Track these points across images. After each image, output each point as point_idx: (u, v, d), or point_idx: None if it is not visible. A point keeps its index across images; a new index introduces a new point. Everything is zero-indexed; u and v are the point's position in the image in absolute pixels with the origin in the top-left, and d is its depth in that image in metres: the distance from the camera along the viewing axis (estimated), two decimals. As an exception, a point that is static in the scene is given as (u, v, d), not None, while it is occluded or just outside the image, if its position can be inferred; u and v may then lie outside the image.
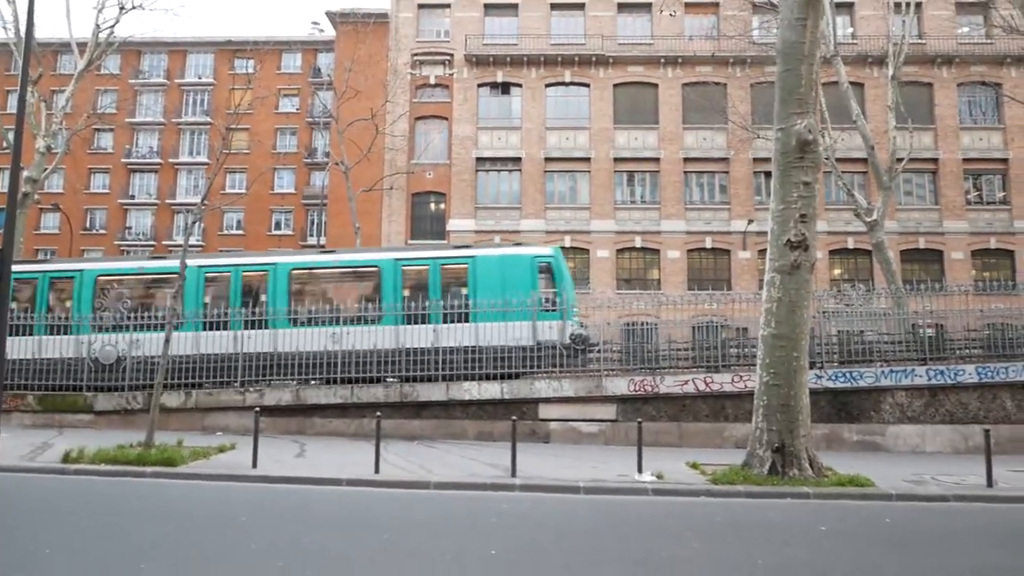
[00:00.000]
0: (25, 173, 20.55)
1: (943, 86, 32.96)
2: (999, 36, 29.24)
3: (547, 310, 16.09)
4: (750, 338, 15.52)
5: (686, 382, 15.32)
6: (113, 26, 22.99)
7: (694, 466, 11.95)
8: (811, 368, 13.13)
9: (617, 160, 33.26)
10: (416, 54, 34.77)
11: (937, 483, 11.03)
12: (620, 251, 32.66)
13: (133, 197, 48.28)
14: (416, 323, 16.08)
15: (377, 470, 11.05)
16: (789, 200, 11.19)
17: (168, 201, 47.79)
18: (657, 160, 33.17)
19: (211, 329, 16.62)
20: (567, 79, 33.96)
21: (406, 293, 16.89)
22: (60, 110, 23.26)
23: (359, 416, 15.72)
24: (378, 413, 12.23)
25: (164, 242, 46.83)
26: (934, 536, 8.26)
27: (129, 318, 16.59)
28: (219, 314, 16.74)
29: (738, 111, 29.94)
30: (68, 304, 17.65)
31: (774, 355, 11.05)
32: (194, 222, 15.77)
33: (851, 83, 22.41)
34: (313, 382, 16.28)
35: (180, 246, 14.62)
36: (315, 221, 45.68)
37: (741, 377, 15.01)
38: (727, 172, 33.16)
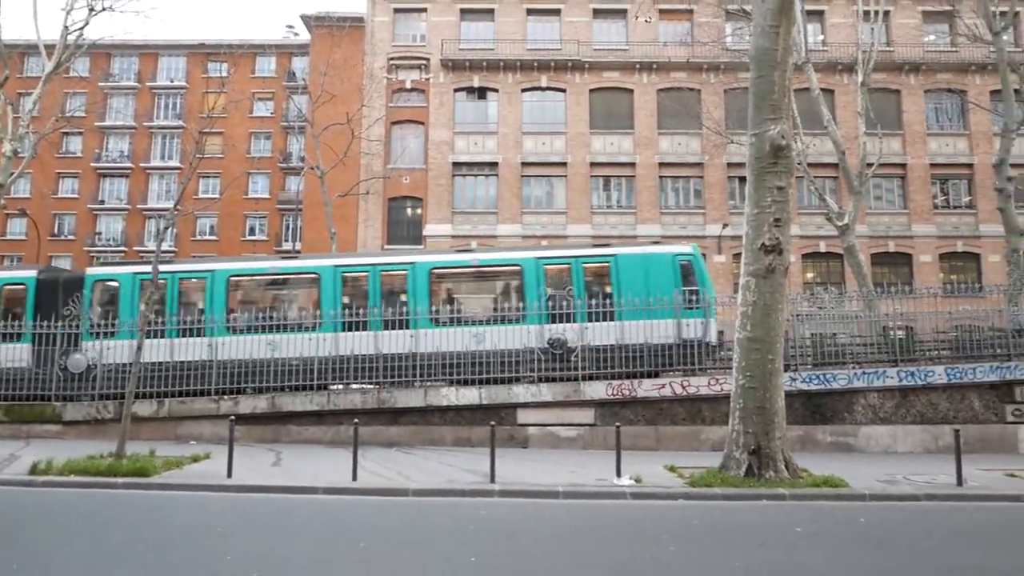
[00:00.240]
0: (-9, 178, 20.06)
1: (911, 93, 33.67)
2: (964, 44, 29.91)
3: (689, 308, 16.20)
4: (726, 340, 15.67)
5: (663, 385, 15.41)
6: (82, 28, 22.49)
7: (672, 469, 12.03)
8: (786, 371, 13.28)
9: (593, 165, 33.45)
10: (392, 58, 34.67)
11: (909, 483, 11.22)
12: (597, 255, 32.71)
13: (103, 202, 47.49)
14: (560, 322, 16.04)
15: (355, 477, 10.96)
16: (763, 205, 11.34)
17: (140, 206, 47.07)
18: (633, 165, 33.42)
19: (350, 330, 16.31)
20: (543, 84, 34.10)
21: (548, 291, 16.84)
22: (27, 113, 22.73)
23: (336, 423, 15.58)
24: (355, 420, 12.13)
25: (135, 248, 46.11)
26: (907, 535, 8.39)
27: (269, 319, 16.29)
28: (358, 314, 16.37)
29: (712, 117, 30.28)
30: (201, 305, 17.23)
31: (750, 358, 11.17)
32: (167, 227, 15.56)
33: (822, 89, 22.78)
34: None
35: (152, 251, 14.37)
36: (290, 226, 45.31)
37: (717, 380, 15.14)
38: (702, 177, 33.50)
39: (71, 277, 18.52)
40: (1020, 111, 22.22)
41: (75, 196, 47.17)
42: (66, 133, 44.52)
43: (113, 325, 16.19)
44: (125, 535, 7.89)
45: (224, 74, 36.76)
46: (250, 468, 11.94)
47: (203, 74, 45.89)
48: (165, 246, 24.26)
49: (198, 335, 16.14)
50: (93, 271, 18.37)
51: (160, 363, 15.93)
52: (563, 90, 34.11)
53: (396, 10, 35.16)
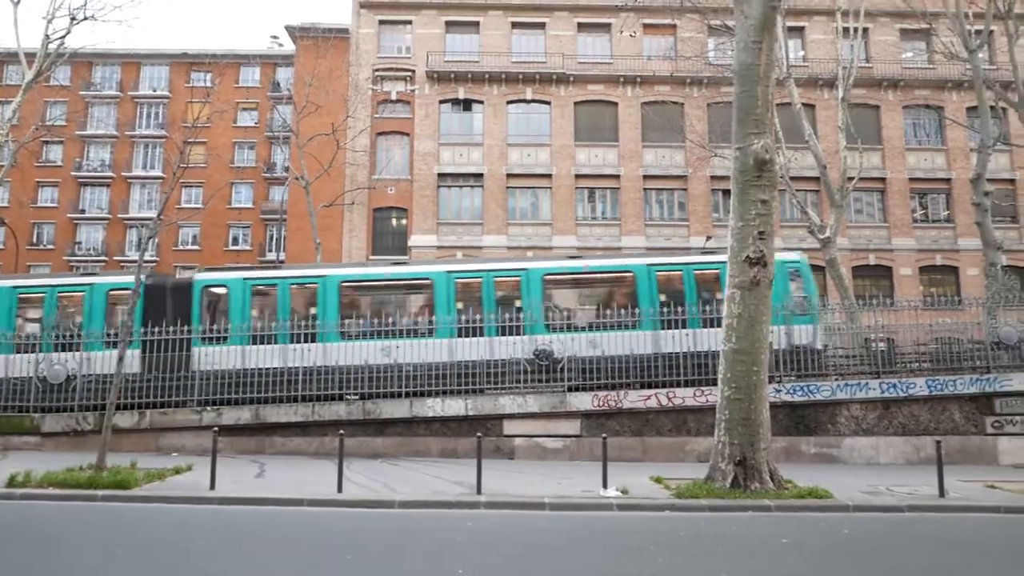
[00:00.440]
0: (-31, 186, 19.82)
1: (890, 108, 34.22)
2: (940, 62, 30.50)
3: (798, 314, 16.33)
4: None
5: (649, 397, 15.46)
6: (64, 37, 22.36)
7: (658, 480, 12.05)
8: (770, 382, 13.38)
9: (578, 177, 33.62)
10: (377, 70, 34.71)
11: (892, 494, 11.32)
12: (582, 267, 32.83)
13: (83, 211, 46.91)
14: (674, 328, 16.12)
15: (340, 489, 10.87)
16: (748, 218, 11.46)
17: (121, 216, 46.55)
18: (617, 177, 33.63)
19: (465, 336, 16.15)
20: (528, 96, 34.28)
21: (661, 298, 16.83)
22: (7, 122, 22.52)
23: (321, 434, 15.47)
24: (341, 431, 12.05)
25: (116, 257, 45.58)
26: (891, 546, 8.45)
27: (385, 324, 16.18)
28: (472, 320, 16.19)
29: (695, 130, 30.58)
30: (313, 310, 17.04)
31: (735, 369, 11.25)
32: (149, 237, 15.41)
33: (803, 104, 23.16)
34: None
35: (134, 262, 14.22)
36: (274, 236, 45.01)
37: (703, 391, 15.22)
38: (685, 189, 33.77)
39: (179, 283, 18.21)
40: (996, 127, 22.69)
41: (55, 205, 46.55)
42: (46, 142, 44.00)
43: (226, 331, 16.22)
44: (103, 549, 7.76)
45: (208, 84, 36.53)
46: (234, 480, 11.80)
47: (186, 84, 45.61)
48: (147, 256, 23.99)
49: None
50: (201, 276, 18.01)
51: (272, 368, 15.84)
52: (548, 102, 34.31)
53: (381, 22, 35.24)
